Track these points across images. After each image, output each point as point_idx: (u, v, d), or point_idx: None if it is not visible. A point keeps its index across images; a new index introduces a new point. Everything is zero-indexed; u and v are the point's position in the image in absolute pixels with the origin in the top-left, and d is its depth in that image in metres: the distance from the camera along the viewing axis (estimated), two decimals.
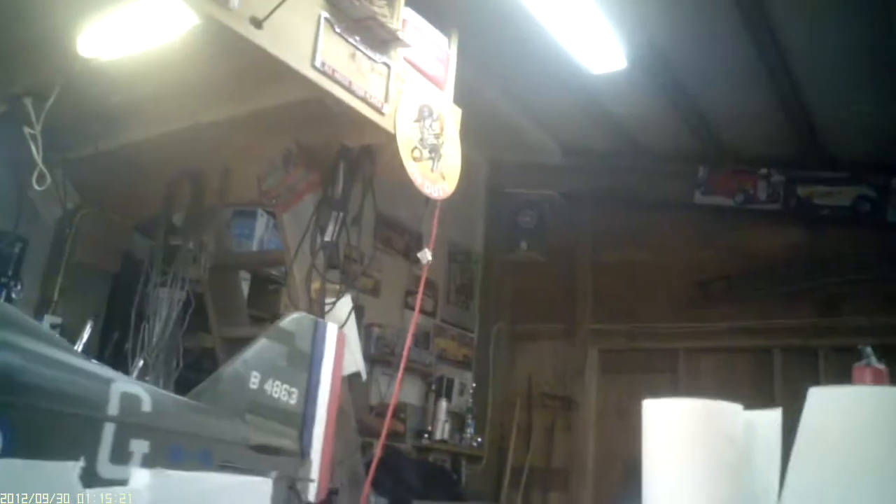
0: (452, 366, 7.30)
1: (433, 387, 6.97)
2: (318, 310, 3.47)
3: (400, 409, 6.48)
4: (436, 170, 3.11)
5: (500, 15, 4.64)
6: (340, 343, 0.85)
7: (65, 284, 4.02)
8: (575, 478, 7.32)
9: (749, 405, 1.76)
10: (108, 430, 0.68)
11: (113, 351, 4.04)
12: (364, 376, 3.91)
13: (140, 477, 0.70)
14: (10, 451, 0.62)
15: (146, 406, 0.71)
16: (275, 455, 0.88)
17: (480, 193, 7.80)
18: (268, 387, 0.90)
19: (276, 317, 4.86)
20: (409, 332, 4.15)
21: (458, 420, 7.14)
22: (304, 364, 0.88)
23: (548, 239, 7.26)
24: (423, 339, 6.95)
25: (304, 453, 0.90)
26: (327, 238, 3.31)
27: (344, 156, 3.27)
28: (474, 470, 7.29)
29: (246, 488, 0.78)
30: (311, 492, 0.92)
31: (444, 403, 6.92)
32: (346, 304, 3.54)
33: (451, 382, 7.14)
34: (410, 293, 6.77)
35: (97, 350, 3.99)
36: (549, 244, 7.28)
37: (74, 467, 0.63)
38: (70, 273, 4.04)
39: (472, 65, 4.32)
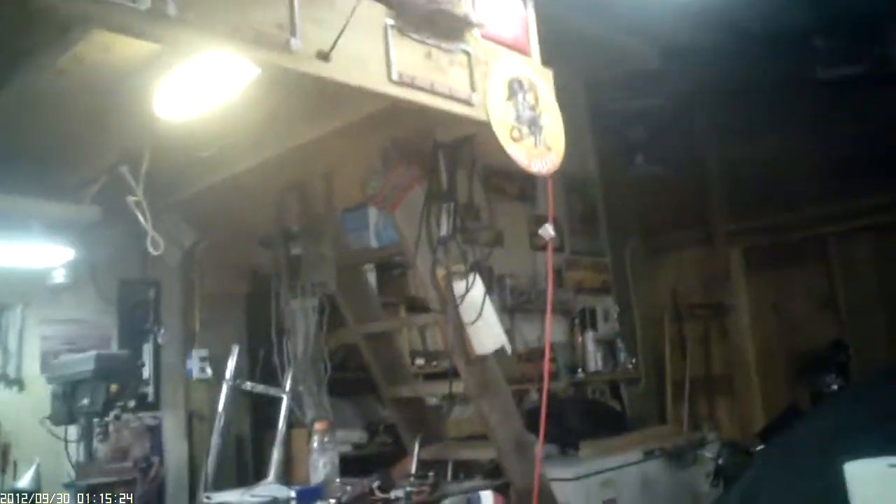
0: (592, 295, 7.13)
1: (577, 320, 6.86)
2: (450, 300, 3.41)
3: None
4: (539, 144, 2.92)
5: None
6: None
7: (203, 316, 4.14)
8: (739, 381, 7.12)
9: None
10: None
11: (262, 369, 4.15)
12: (509, 350, 3.86)
13: None
14: None
15: None
16: None
17: (584, 117, 7.45)
18: None
19: (407, 299, 4.90)
20: (548, 270, 3.98)
21: (608, 347, 7.03)
22: None
23: (663, 148, 6.90)
24: (556, 277, 6.82)
25: None
26: (443, 232, 3.21)
27: (441, 147, 3.13)
28: (634, 393, 7.19)
29: None
30: None
31: (591, 334, 6.81)
32: (478, 286, 3.45)
33: (593, 312, 7.00)
34: (534, 234, 6.62)
35: (247, 371, 4.11)
36: (666, 153, 6.92)
37: None
38: (205, 304, 4.15)
39: None
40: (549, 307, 3.35)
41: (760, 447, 4.40)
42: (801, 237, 6.63)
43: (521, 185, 6.33)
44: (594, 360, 6.73)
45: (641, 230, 7.53)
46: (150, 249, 3.00)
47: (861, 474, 0.96)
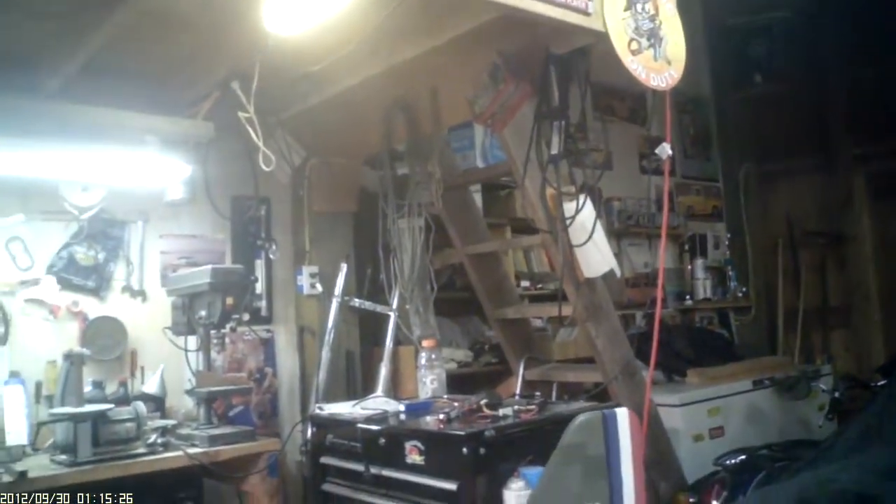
0: (702, 220, 6.91)
1: (686, 246, 6.67)
2: (559, 221, 3.34)
3: (655, 276, 6.29)
4: (659, 57, 2.77)
5: None
6: (635, 427, 0.74)
7: (313, 234, 4.21)
8: (857, 314, 6.80)
9: None
10: None
11: (369, 286, 4.21)
12: (618, 273, 3.76)
13: None
14: None
15: None
16: None
17: (699, 31, 7.07)
18: None
19: (513, 220, 4.85)
20: (665, 191, 3.86)
21: (718, 275, 6.83)
22: (601, 471, 0.76)
23: (784, 67, 6.49)
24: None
25: None
26: (553, 151, 3.12)
27: (554, 61, 3.01)
28: (744, 321, 6.99)
29: None
30: None
31: (700, 261, 6.62)
32: (588, 208, 3.36)
33: (703, 238, 6.79)
34: (643, 156, 6.43)
35: (356, 288, 4.18)
36: (787, 72, 6.51)
37: None
38: (314, 222, 4.22)
39: None
40: (664, 229, 3.24)
41: (882, 382, 4.20)
42: None
43: (631, 105, 6.13)
44: (703, 287, 6.56)
45: (756, 154, 7.17)
46: (262, 165, 3.04)
47: None
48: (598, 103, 5.95)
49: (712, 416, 4.89)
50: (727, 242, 7.02)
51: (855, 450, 3.13)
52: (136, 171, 3.31)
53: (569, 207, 3.29)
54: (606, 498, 0.74)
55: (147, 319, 3.70)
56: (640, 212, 6.12)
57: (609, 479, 0.75)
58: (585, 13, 2.54)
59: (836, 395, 4.80)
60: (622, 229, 6.02)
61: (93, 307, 3.57)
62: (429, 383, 3.37)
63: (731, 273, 6.87)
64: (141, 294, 3.72)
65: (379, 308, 4.00)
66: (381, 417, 2.97)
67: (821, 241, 6.92)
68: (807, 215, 6.98)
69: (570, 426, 0.74)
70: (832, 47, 6.62)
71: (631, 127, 6.28)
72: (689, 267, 6.60)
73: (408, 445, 2.68)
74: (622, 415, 0.73)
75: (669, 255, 6.61)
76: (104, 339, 3.54)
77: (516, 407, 2.90)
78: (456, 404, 2.91)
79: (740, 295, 6.84)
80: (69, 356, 3.10)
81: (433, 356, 3.42)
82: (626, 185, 6.16)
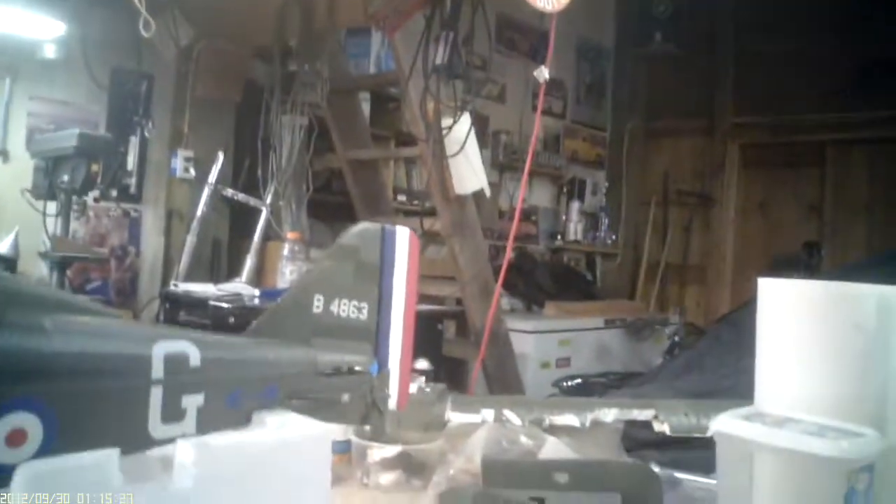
0: (584, 167, 7.15)
1: (565, 189, 6.90)
2: (437, 132, 3.42)
3: (531, 212, 6.51)
4: None
5: None
6: (413, 245, 0.81)
7: (193, 118, 4.14)
8: (713, 273, 7.24)
9: None
10: (156, 394, 0.67)
11: (245, 179, 4.20)
12: (488, 193, 3.90)
13: (183, 451, 0.69)
14: (53, 439, 0.63)
15: (194, 361, 0.70)
16: (348, 375, 0.87)
17: None
18: (333, 307, 0.87)
19: (398, 134, 4.90)
20: (534, 135, 4.02)
21: (591, 220, 7.12)
22: (374, 276, 0.84)
23: (684, 29, 6.72)
24: (552, 142, 6.81)
25: (381, 365, 0.88)
26: (438, 60, 3.18)
27: None
28: (609, 267, 7.34)
29: (304, 442, 0.77)
30: (392, 403, 0.91)
31: (576, 204, 6.88)
32: (464, 122, 3.45)
33: (583, 183, 7.04)
34: (538, 96, 6.56)
35: (230, 179, 4.16)
36: (685, 34, 6.75)
37: (110, 458, 0.62)
38: (196, 106, 4.14)
39: None
40: (531, 148, 3.35)
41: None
42: (802, 140, 6.57)
43: (532, 42, 6.20)
44: (575, 229, 6.83)
45: (646, 111, 7.44)
46: (142, 31, 2.96)
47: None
48: (501, 36, 6.01)
49: (563, 346, 5.18)
50: (605, 191, 7.30)
51: (676, 378, 3.41)
52: (7, 20, 3.17)
53: (447, 120, 3.38)
54: (375, 304, 0.83)
55: (6, 181, 3.58)
56: (525, 148, 6.27)
57: (380, 287, 0.83)
58: None
59: (676, 338, 5.19)
60: (506, 163, 6.17)
61: None
62: (288, 274, 3.43)
63: (604, 220, 7.17)
64: (2, 154, 3.59)
65: (252, 200, 4.00)
66: (235, 298, 3.02)
67: (691, 202, 7.28)
68: (682, 175, 7.32)
69: (349, 231, 0.81)
70: (730, 17, 6.89)
71: (530, 64, 6.38)
72: (566, 208, 6.84)
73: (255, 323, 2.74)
74: (402, 232, 0.80)
75: (547, 194, 6.83)
76: None
77: None
78: None
79: (609, 242, 7.16)
80: None
81: (297, 248, 3.47)
82: (517, 121, 6.29)
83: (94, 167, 3.25)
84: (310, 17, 3.76)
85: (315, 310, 0.94)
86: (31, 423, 0.62)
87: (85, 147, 3.22)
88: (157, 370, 0.71)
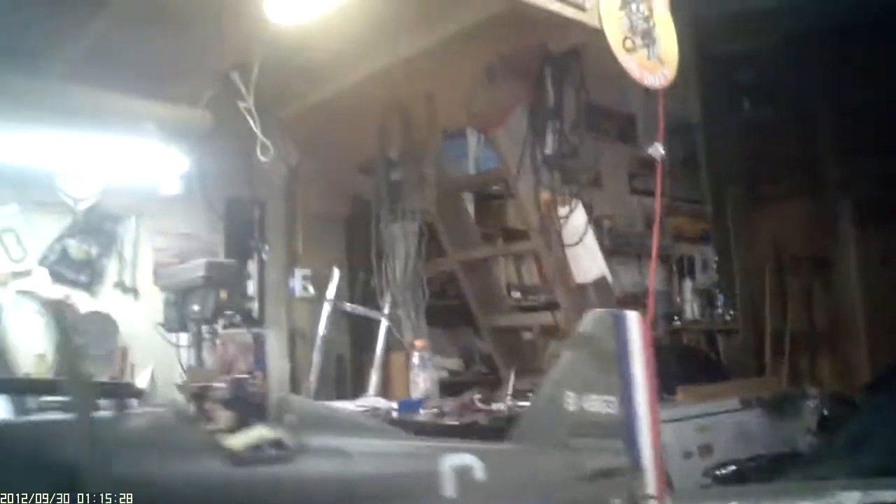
0: (690, 243, 6.96)
1: (675, 268, 6.71)
2: (552, 224, 3.37)
3: (645, 297, 6.31)
4: (652, 56, 2.83)
5: None
6: (645, 330, 0.76)
7: (305, 237, 4.21)
8: (843, 338, 6.83)
9: None
10: None
11: (362, 290, 4.22)
12: (610, 279, 3.80)
13: None
14: None
15: (478, 473, 0.62)
16: (609, 477, 0.79)
17: (689, 57, 7.14)
18: (586, 404, 0.80)
19: (505, 230, 4.88)
20: (656, 218, 3.89)
21: (705, 297, 6.86)
22: (614, 366, 0.78)
23: (772, 92, 6.59)
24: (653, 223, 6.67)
25: (636, 465, 0.80)
26: (548, 151, 3.16)
27: (549, 61, 3.06)
28: (731, 344, 7.02)
29: None
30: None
31: (688, 283, 6.67)
32: (579, 213, 3.40)
33: (692, 260, 6.84)
34: (633, 176, 6.50)
35: (348, 292, 4.18)
36: (775, 97, 6.62)
37: None
38: (308, 225, 4.22)
39: None
40: (656, 229, 3.22)
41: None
42: None
43: (620, 124, 6.18)
44: (691, 308, 6.60)
45: (744, 178, 7.25)
46: (260, 156, 3.05)
47: None
48: (589, 122, 6.00)
49: (702, 433, 4.88)
50: (715, 265, 7.06)
51: (847, 455, 3.15)
52: (133, 161, 3.30)
53: (562, 210, 3.33)
54: (620, 396, 0.75)
55: (138, 317, 3.68)
56: (630, 231, 6.17)
57: (622, 377, 0.76)
58: (582, 8, 2.60)
59: (825, 412, 4.83)
60: (612, 248, 6.04)
61: (84, 302, 3.55)
62: (421, 383, 3.36)
63: (719, 295, 6.91)
64: (133, 291, 3.70)
65: (371, 312, 3.99)
66: (374, 414, 2.96)
67: (807, 266, 6.97)
68: (793, 239, 7.03)
69: (584, 319, 0.75)
70: (818, 73, 6.73)
71: (620, 147, 6.34)
72: (678, 288, 6.63)
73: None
74: (632, 316, 0.74)
75: (659, 276, 6.64)
76: (95, 335, 3.52)
77: (509, 402, 2.90)
78: (449, 400, 2.91)
79: (728, 318, 6.87)
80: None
81: (426, 356, 3.41)
82: (616, 205, 6.21)
83: (223, 294, 3.31)
84: (410, 124, 3.83)
85: (568, 408, 0.86)
86: None
87: (213, 275, 3.29)
88: (448, 487, 0.64)
